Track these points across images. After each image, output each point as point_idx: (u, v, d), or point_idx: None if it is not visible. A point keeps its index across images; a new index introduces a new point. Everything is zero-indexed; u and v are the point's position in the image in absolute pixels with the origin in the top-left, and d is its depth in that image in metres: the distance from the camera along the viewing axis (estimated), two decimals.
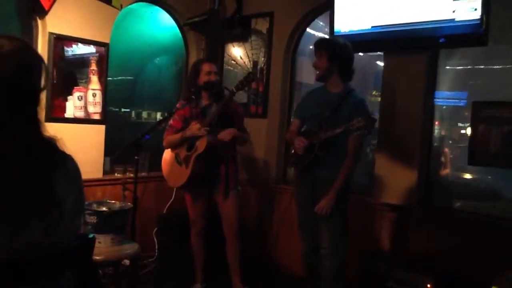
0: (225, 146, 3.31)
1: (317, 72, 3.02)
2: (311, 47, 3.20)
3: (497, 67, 3.84)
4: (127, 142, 3.13)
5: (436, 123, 3.59)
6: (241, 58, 4.54)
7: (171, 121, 3.43)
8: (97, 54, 3.92)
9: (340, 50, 2.96)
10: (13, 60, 1.22)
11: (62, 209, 1.23)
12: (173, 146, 3.46)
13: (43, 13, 3.56)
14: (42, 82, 1.31)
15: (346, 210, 2.99)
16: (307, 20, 4.21)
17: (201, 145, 3.27)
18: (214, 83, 3.36)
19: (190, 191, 3.49)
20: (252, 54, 4.48)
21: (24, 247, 1.17)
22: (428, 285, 2.86)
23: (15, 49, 1.24)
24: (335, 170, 2.90)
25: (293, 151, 3.10)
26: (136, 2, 4.22)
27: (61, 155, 1.30)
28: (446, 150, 3.81)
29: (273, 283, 3.98)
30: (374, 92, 4.60)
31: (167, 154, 3.56)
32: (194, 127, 3.25)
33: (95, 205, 3.21)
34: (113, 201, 3.38)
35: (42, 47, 3.61)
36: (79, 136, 3.78)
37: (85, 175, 1.30)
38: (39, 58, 1.32)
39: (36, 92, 1.28)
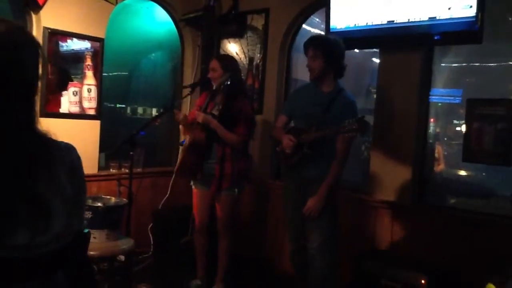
0: (217, 143, 3.32)
1: (311, 73, 2.93)
2: None
3: (492, 64, 3.86)
4: (122, 138, 3.13)
5: (431, 120, 3.60)
6: (237, 54, 4.53)
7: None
8: (92, 49, 3.90)
9: (336, 50, 2.91)
10: (3, 44, 1.07)
11: (52, 208, 1.11)
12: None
13: (37, 7, 3.53)
14: (39, 69, 1.14)
15: (336, 209, 2.97)
16: (303, 16, 4.20)
17: (188, 139, 3.39)
18: (208, 79, 3.46)
19: (193, 183, 3.51)
20: (248, 50, 4.47)
21: (10, 250, 1.07)
22: (422, 281, 2.87)
23: (4, 31, 1.08)
24: (323, 169, 2.88)
25: (279, 149, 3.03)
26: None
27: (57, 148, 1.19)
28: (441, 147, 3.82)
29: (266, 281, 3.97)
30: (371, 89, 4.60)
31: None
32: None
33: (90, 201, 3.20)
34: (108, 197, 3.37)
35: None
36: (74, 131, 3.76)
37: None
38: (35, 41, 1.16)
39: (31, 80, 1.13)
